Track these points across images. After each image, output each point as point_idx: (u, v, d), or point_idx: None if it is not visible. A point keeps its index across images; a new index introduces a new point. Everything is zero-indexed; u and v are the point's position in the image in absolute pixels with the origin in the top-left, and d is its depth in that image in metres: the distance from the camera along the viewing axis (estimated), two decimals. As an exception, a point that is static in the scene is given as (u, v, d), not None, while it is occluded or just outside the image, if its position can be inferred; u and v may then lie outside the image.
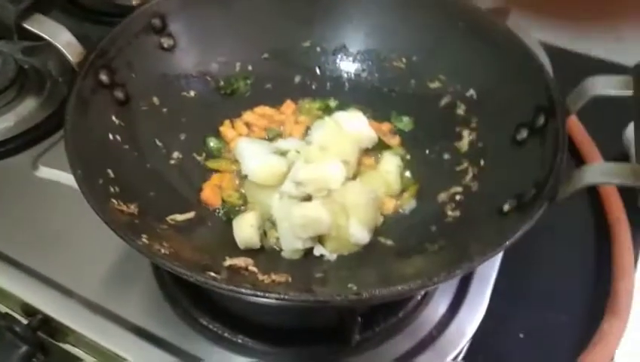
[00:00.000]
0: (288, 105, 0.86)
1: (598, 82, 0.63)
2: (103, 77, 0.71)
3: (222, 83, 0.85)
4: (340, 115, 0.79)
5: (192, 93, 0.83)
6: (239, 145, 0.77)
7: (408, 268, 0.63)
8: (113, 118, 0.71)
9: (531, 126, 0.69)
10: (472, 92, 0.79)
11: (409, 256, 0.66)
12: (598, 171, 0.58)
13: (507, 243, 0.55)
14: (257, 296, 0.49)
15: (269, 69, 0.87)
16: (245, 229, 0.67)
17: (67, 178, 0.74)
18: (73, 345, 0.75)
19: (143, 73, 0.76)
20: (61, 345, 0.75)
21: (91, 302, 0.73)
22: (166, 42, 0.80)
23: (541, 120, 0.68)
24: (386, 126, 0.84)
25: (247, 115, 0.84)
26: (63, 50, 0.68)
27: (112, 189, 0.63)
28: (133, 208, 0.63)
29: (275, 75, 0.87)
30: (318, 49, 0.88)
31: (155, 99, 0.78)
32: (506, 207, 0.64)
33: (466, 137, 0.78)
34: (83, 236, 0.78)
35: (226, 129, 0.82)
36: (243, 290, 0.49)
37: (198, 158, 0.79)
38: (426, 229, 0.70)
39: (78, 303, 0.73)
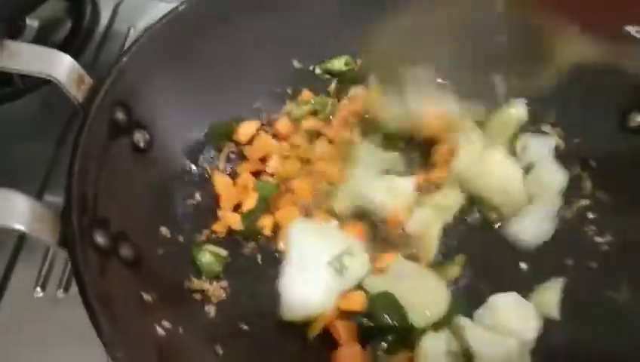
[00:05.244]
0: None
1: None
2: (100, 239, 0.42)
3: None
4: None
5: (198, 196, 0.56)
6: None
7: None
8: (143, 295, 0.44)
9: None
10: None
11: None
12: None
13: None
14: None
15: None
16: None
17: None
18: None
19: (133, 200, 0.49)
20: None
21: None
22: (141, 139, 0.52)
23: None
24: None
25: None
26: (35, 235, 0.38)
27: None
28: None
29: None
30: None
31: (164, 230, 0.51)
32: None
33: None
34: None
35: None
36: None
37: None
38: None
39: None
